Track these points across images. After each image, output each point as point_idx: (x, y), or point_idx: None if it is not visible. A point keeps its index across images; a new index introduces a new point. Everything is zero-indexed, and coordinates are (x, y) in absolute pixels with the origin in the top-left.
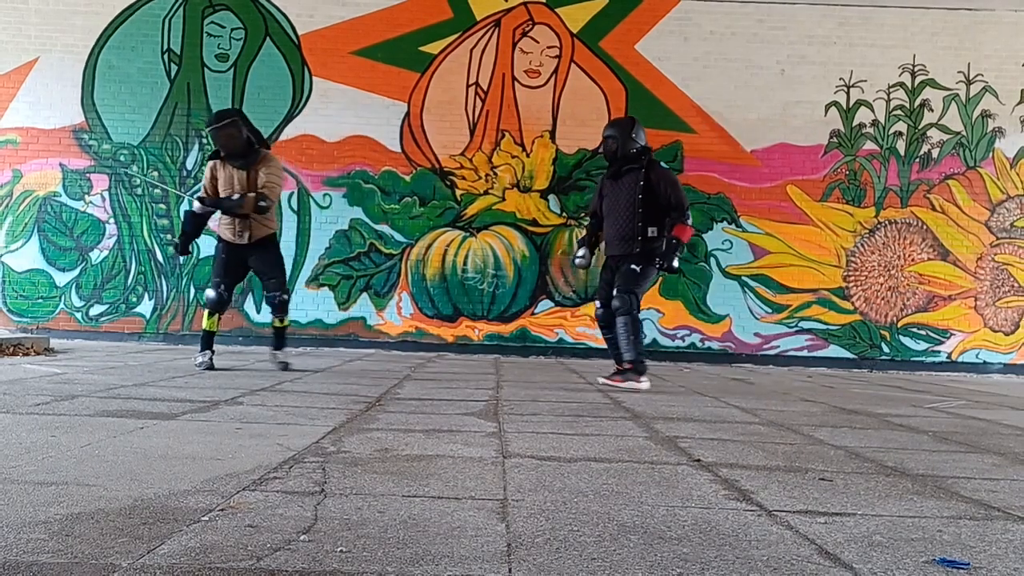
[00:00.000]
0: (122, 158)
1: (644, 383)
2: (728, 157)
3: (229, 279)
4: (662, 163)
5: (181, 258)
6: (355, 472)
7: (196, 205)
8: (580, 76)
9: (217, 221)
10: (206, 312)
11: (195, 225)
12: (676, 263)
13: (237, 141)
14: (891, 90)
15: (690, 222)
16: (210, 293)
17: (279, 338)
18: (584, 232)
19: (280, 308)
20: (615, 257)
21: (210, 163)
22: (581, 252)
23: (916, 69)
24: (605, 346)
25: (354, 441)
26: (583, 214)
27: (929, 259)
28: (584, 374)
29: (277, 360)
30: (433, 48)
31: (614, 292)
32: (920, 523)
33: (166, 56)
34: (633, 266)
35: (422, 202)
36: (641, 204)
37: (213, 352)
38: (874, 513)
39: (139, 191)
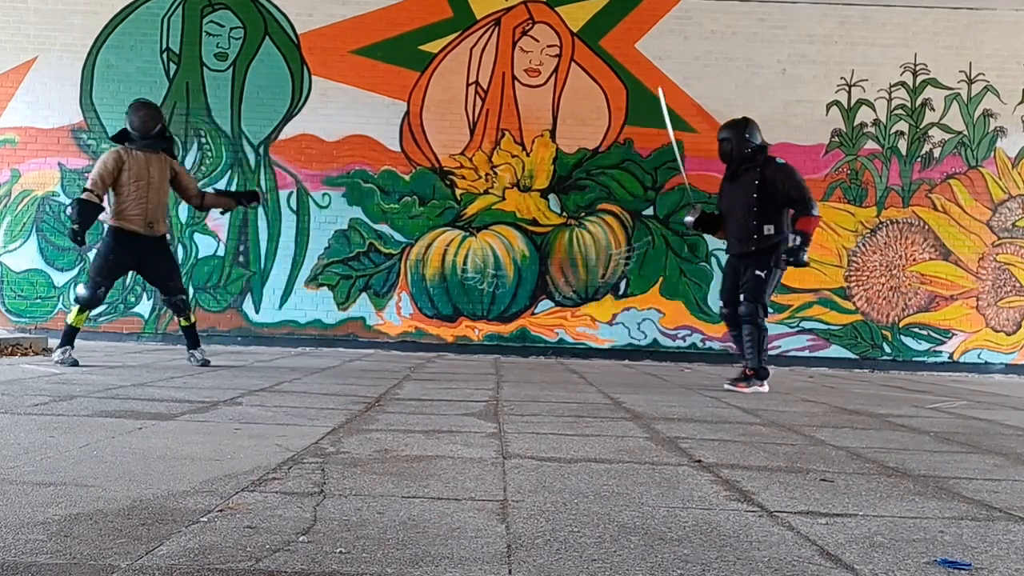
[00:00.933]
0: None
1: (765, 387)
2: None
3: (112, 280)
4: (778, 160)
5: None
6: (354, 473)
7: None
8: (580, 75)
9: (112, 211)
10: (77, 308)
11: (94, 216)
12: (805, 257)
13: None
14: (892, 89)
15: (816, 212)
16: (87, 292)
17: (192, 336)
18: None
19: (184, 308)
20: (736, 256)
21: (115, 152)
22: (695, 210)
23: (917, 68)
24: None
25: (353, 442)
26: (583, 214)
27: (931, 259)
28: (584, 374)
29: (197, 359)
30: (433, 47)
31: (741, 298)
32: (922, 524)
33: (165, 55)
34: (758, 272)
35: (422, 202)
36: (756, 203)
37: (73, 348)
38: (875, 514)
39: None
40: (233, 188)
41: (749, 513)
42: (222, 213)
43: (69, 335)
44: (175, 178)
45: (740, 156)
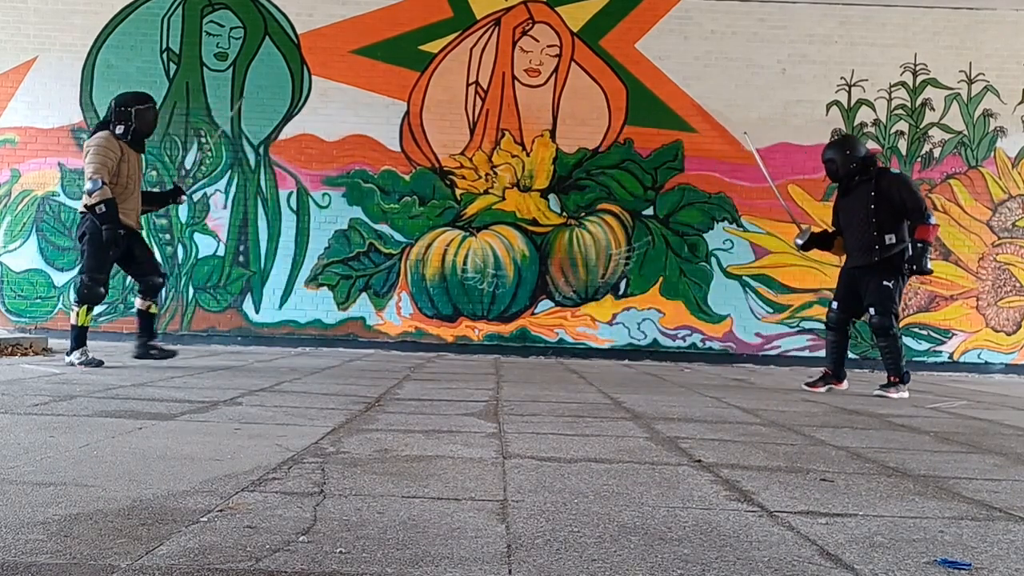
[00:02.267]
0: None
1: (905, 392)
2: (729, 156)
3: (107, 274)
4: (893, 169)
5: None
6: (354, 473)
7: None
8: (580, 75)
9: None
10: (84, 308)
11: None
12: (928, 264)
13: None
14: (892, 89)
15: (933, 221)
16: (89, 290)
17: (152, 327)
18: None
19: (158, 290)
20: (858, 268)
21: (114, 140)
22: (804, 232)
23: (917, 68)
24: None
25: (353, 442)
26: (583, 214)
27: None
28: (584, 374)
29: (163, 350)
30: (433, 47)
31: (871, 311)
32: (922, 524)
33: (165, 55)
34: (885, 282)
35: (422, 202)
36: (874, 214)
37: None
38: (875, 514)
39: None
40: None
41: (749, 513)
42: (151, 211)
43: (80, 336)
44: None
45: (848, 172)
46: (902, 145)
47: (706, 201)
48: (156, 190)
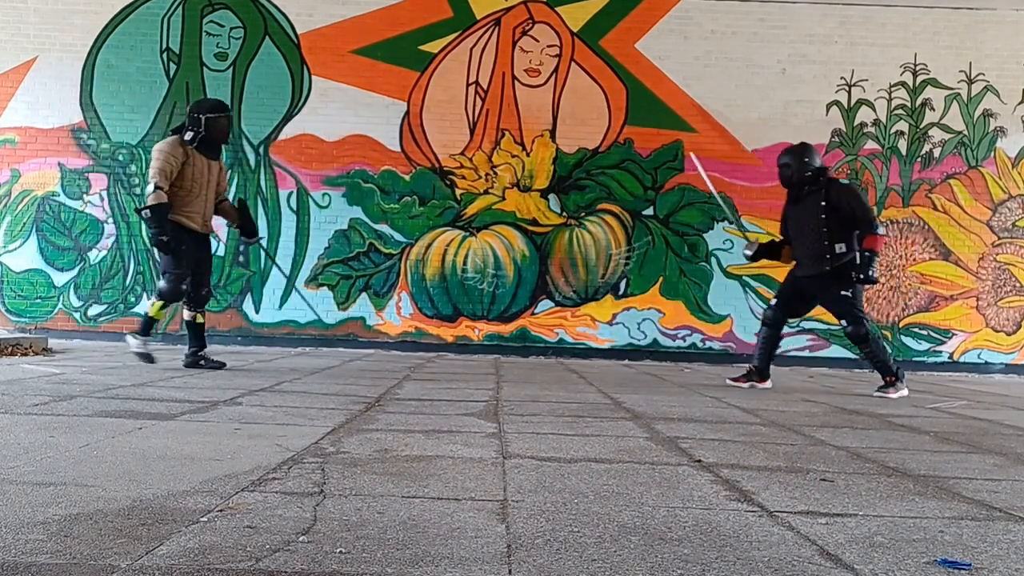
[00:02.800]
0: (121, 158)
1: (904, 390)
2: (729, 156)
3: (190, 269)
4: (841, 180)
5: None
6: (354, 473)
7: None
8: (580, 75)
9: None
10: (160, 302)
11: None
12: (875, 273)
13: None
14: (892, 89)
15: (880, 232)
16: (170, 287)
17: (201, 336)
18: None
19: (204, 302)
20: (808, 278)
21: (178, 146)
22: (752, 245)
23: (917, 68)
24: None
25: (353, 442)
26: (583, 214)
27: (931, 259)
28: (584, 374)
29: (211, 361)
30: (433, 47)
31: (843, 323)
32: (922, 524)
33: (165, 55)
34: (843, 292)
35: (422, 202)
36: (825, 224)
37: (150, 338)
38: (875, 514)
39: (137, 190)
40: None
41: (749, 513)
42: (230, 226)
43: (147, 325)
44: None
45: (801, 180)
46: (902, 145)
47: (706, 201)
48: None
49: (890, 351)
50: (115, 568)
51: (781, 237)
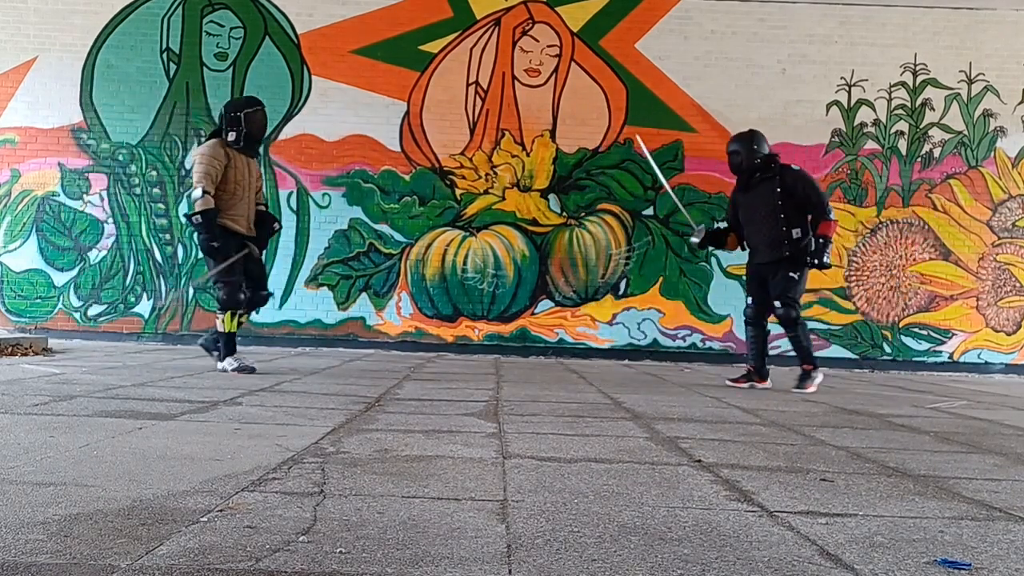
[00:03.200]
0: (121, 158)
1: (820, 376)
2: None
3: (242, 273)
4: (793, 166)
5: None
6: (354, 473)
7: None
8: (580, 75)
9: (195, 211)
10: (228, 314)
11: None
12: (828, 259)
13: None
14: (892, 89)
15: (833, 217)
16: (229, 296)
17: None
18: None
19: (257, 305)
20: (765, 265)
21: (220, 148)
22: (700, 231)
23: (917, 68)
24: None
25: (353, 442)
26: (583, 214)
27: (931, 259)
28: (584, 374)
29: (245, 363)
30: (433, 47)
31: (776, 304)
32: (922, 524)
33: (165, 55)
34: (791, 273)
35: (422, 202)
36: (782, 210)
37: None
38: (875, 514)
39: (137, 190)
40: None
41: (749, 513)
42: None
43: (229, 343)
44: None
45: (751, 167)
46: (902, 145)
47: (706, 201)
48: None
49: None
50: (115, 568)
51: (726, 224)
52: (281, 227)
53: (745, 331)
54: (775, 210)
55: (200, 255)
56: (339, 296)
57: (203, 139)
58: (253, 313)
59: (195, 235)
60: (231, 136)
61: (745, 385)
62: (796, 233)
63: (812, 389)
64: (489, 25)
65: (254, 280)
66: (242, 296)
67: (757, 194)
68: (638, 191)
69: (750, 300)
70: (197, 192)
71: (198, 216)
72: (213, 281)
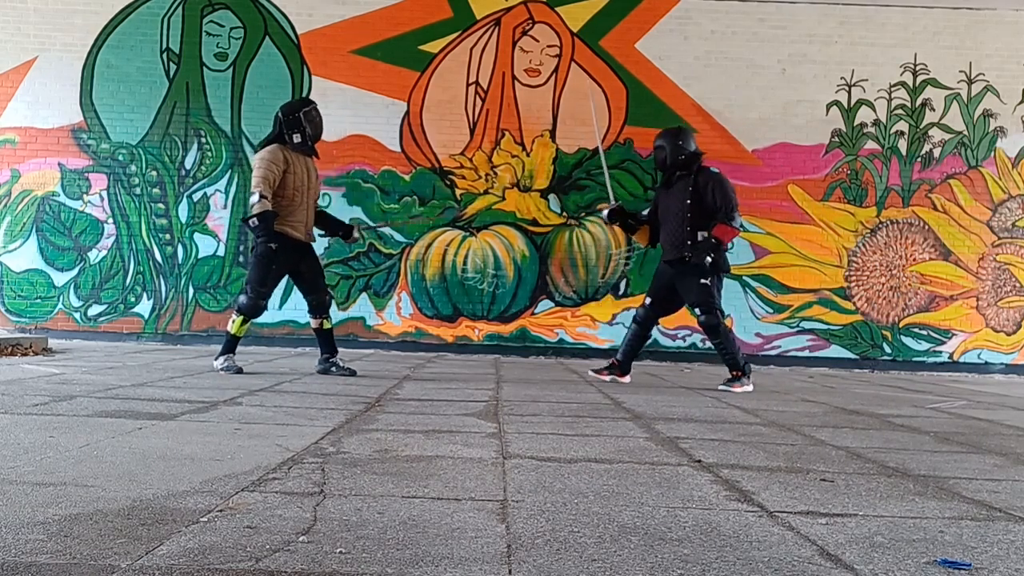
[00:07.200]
0: (121, 157)
1: (749, 386)
2: (729, 156)
3: (273, 288)
4: (712, 168)
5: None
6: (354, 473)
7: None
8: (580, 75)
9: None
10: (241, 319)
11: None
12: (708, 259)
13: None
14: (892, 89)
15: (735, 223)
16: (250, 303)
17: (331, 342)
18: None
19: (326, 308)
20: (670, 263)
21: (280, 152)
22: (613, 205)
23: (917, 68)
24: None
25: (353, 442)
26: (583, 214)
27: (931, 259)
28: (584, 374)
29: (342, 368)
30: (433, 47)
31: (697, 312)
32: (922, 524)
33: (165, 55)
34: (703, 281)
35: (422, 202)
36: (690, 209)
37: (234, 355)
38: (875, 514)
39: (137, 190)
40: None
41: (749, 513)
42: (322, 235)
43: (231, 344)
44: None
45: (675, 163)
46: (902, 145)
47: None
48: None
49: (738, 346)
50: (115, 568)
51: (646, 216)
52: (361, 238)
53: (629, 327)
54: (683, 209)
55: (199, 255)
56: (339, 296)
57: (258, 145)
58: (322, 316)
59: (252, 238)
60: (296, 138)
61: (607, 378)
62: (701, 236)
63: (738, 390)
64: (489, 25)
65: (314, 284)
66: (263, 304)
67: (673, 192)
68: (638, 191)
69: (648, 301)
70: (254, 197)
71: (255, 219)
72: (246, 283)
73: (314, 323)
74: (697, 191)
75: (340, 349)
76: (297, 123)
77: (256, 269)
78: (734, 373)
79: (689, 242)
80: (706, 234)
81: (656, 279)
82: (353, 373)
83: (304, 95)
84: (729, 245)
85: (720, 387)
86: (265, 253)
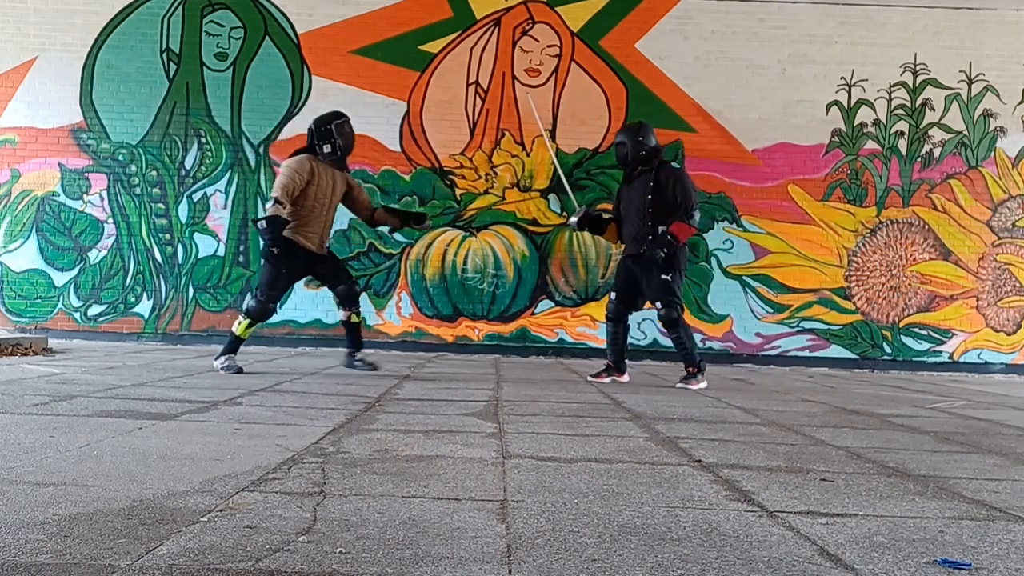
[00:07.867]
0: (121, 157)
1: (704, 382)
2: (729, 156)
3: (283, 293)
4: (674, 164)
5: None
6: (354, 473)
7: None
8: (580, 75)
9: (268, 225)
10: (247, 321)
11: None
12: (661, 254)
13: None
14: (892, 89)
15: (693, 222)
16: (257, 307)
17: (357, 336)
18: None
19: (354, 298)
20: (632, 257)
21: (307, 163)
22: (580, 212)
23: (917, 68)
24: (604, 347)
25: (353, 442)
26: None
27: (931, 259)
28: (584, 374)
29: (366, 363)
30: (433, 47)
31: (658, 306)
32: (922, 524)
33: (165, 55)
34: (663, 276)
35: (422, 202)
36: (651, 204)
37: (236, 355)
38: (875, 514)
39: (137, 190)
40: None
41: (749, 513)
42: (391, 232)
43: (233, 344)
44: (349, 193)
45: (636, 159)
46: (902, 145)
47: (706, 201)
48: (397, 207)
49: (695, 343)
50: (115, 568)
51: (611, 214)
52: (427, 226)
53: (606, 327)
54: (644, 204)
55: (199, 255)
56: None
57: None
58: (350, 309)
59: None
60: (327, 148)
61: (607, 380)
62: (661, 231)
63: (695, 387)
64: (489, 25)
65: (331, 278)
66: (272, 307)
67: (635, 187)
68: None
69: (613, 296)
70: (270, 202)
71: (262, 222)
72: (255, 286)
73: (342, 315)
74: (659, 186)
75: (341, 349)
76: (328, 135)
77: (265, 273)
78: (690, 369)
79: (650, 237)
80: (664, 229)
81: (618, 274)
82: (375, 368)
83: (304, 95)
84: (685, 244)
85: (677, 385)
86: (269, 257)
